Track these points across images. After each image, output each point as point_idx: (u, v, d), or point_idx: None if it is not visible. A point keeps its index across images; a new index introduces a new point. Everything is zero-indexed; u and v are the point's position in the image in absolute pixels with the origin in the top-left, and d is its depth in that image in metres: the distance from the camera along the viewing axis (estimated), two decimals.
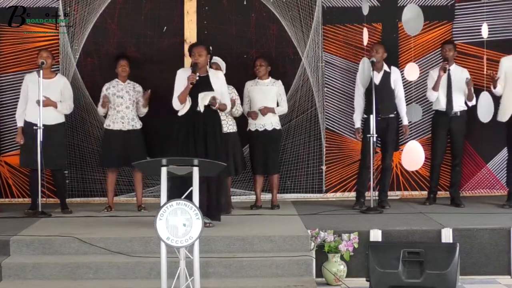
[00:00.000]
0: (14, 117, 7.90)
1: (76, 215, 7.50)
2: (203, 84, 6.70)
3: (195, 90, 6.67)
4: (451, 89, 7.72)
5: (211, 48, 6.91)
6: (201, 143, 6.66)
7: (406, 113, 7.61)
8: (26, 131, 7.52)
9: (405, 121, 7.78)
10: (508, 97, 7.60)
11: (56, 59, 7.94)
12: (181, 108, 6.75)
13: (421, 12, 7.00)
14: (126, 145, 7.60)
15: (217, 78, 6.83)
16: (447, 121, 7.78)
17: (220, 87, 6.81)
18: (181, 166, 5.11)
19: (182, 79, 6.72)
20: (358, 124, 7.82)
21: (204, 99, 6.69)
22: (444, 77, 7.71)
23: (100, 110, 7.74)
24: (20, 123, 7.62)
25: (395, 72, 7.79)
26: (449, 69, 7.74)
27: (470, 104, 7.73)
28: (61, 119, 7.68)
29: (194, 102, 6.72)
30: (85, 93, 8.21)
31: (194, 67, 6.68)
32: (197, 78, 6.62)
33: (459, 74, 7.77)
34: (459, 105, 7.74)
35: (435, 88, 7.70)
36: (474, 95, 7.66)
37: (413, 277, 5.50)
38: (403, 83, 8.08)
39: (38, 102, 7.32)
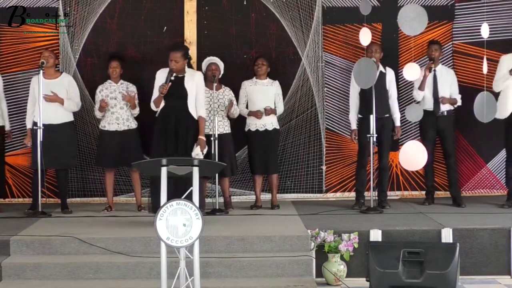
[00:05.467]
0: (15, 117, 7.96)
1: (76, 215, 7.50)
2: (177, 85, 6.76)
3: (169, 91, 6.74)
4: (437, 89, 7.74)
5: (189, 52, 7.01)
6: (172, 145, 6.67)
7: (406, 113, 7.59)
8: (34, 132, 7.50)
9: (397, 123, 7.80)
10: (507, 94, 7.60)
11: (57, 58, 7.93)
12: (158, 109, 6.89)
13: (423, 11, 6.93)
14: (122, 145, 7.60)
15: (192, 79, 6.85)
16: (434, 121, 7.79)
17: (195, 88, 6.83)
18: (181, 166, 5.10)
19: (159, 81, 6.82)
20: (354, 125, 7.82)
21: (197, 156, 6.72)
22: (430, 78, 7.73)
23: (98, 114, 7.72)
24: (29, 125, 7.63)
25: (390, 73, 7.79)
26: (434, 70, 7.76)
27: (455, 106, 7.77)
28: (68, 118, 7.66)
29: (166, 103, 6.77)
30: (85, 93, 8.20)
31: (169, 75, 6.73)
32: (172, 81, 6.70)
33: (445, 74, 7.81)
34: (445, 104, 7.76)
35: (421, 87, 7.73)
36: (456, 99, 7.72)
37: (413, 277, 5.51)
38: (403, 83, 8.09)
39: (44, 97, 7.32)
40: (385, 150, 7.76)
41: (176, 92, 6.76)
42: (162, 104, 6.81)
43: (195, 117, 6.84)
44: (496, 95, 7.62)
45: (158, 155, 6.37)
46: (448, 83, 7.80)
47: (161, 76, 6.85)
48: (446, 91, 7.78)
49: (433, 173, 8.04)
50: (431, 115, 7.76)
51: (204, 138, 6.83)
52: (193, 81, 6.83)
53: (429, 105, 7.77)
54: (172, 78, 6.72)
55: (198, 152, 6.72)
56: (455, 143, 8.01)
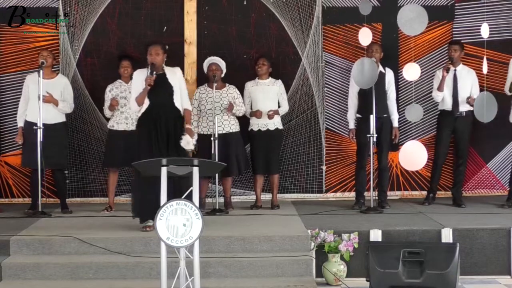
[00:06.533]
0: (15, 117, 7.93)
1: (76, 215, 7.50)
2: (161, 82, 6.65)
3: (153, 89, 6.58)
4: (457, 90, 7.72)
5: (167, 47, 6.88)
6: (163, 143, 6.57)
7: (406, 113, 7.58)
8: (26, 131, 7.52)
9: (395, 123, 7.78)
10: None
11: (56, 59, 7.94)
12: (139, 109, 6.72)
13: (423, 11, 6.91)
14: (130, 145, 7.58)
15: (174, 74, 6.76)
16: (452, 121, 7.77)
17: (179, 83, 6.76)
18: (181, 166, 5.10)
19: (139, 81, 6.68)
20: (352, 124, 7.83)
21: (188, 144, 6.60)
22: (450, 78, 7.71)
23: (108, 113, 7.73)
24: (20, 123, 7.63)
25: (389, 73, 7.79)
26: (455, 69, 7.74)
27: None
28: (61, 119, 7.67)
29: (152, 101, 6.64)
30: (85, 93, 8.22)
31: (152, 68, 6.60)
32: (155, 77, 6.57)
33: (465, 74, 7.78)
34: (465, 105, 7.74)
35: (440, 88, 7.70)
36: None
37: (413, 277, 5.51)
38: (403, 82, 8.09)
39: (39, 97, 7.30)
40: (384, 150, 7.75)
41: (162, 88, 6.64)
42: (147, 103, 6.64)
43: (181, 111, 6.75)
44: (508, 98, 7.63)
45: (153, 155, 6.23)
46: (469, 83, 7.73)
47: (139, 76, 6.70)
48: (467, 92, 7.71)
49: (440, 174, 8.03)
50: (450, 116, 7.74)
51: (191, 127, 6.76)
52: (175, 77, 6.75)
53: (448, 106, 7.75)
54: (155, 73, 6.60)
55: (188, 140, 6.55)
56: (469, 144, 8.00)
